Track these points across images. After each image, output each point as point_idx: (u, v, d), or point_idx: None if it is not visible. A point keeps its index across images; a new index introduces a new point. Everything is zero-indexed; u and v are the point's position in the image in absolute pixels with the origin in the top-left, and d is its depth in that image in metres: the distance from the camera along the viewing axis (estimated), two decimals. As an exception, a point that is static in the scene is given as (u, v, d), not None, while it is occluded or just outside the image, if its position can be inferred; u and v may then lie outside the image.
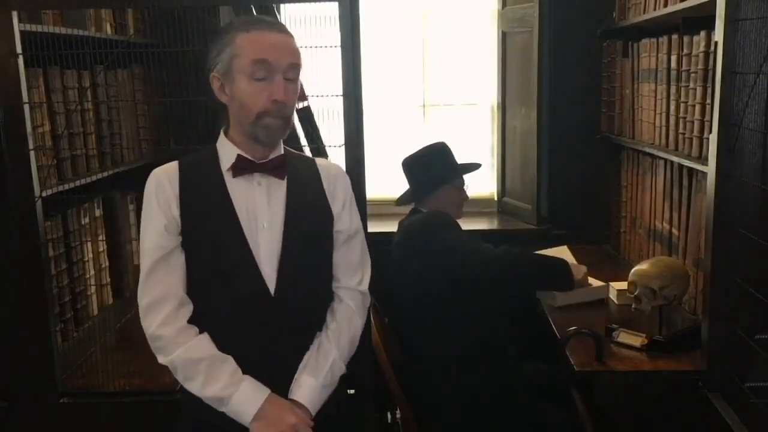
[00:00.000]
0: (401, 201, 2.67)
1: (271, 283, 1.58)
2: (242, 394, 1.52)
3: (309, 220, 1.64)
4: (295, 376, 1.61)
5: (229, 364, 1.55)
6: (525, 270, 2.32)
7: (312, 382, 1.60)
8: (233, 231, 1.57)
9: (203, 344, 1.55)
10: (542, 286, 2.50)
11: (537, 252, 2.57)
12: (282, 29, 1.56)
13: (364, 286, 1.75)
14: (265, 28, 1.53)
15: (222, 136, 1.64)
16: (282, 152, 1.65)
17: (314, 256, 1.66)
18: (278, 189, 1.62)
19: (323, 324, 1.68)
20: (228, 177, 1.59)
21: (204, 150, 1.66)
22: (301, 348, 1.64)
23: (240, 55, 1.52)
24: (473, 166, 2.61)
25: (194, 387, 1.54)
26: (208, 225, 1.57)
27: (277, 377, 1.59)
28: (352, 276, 1.72)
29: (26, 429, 2.17)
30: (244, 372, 1.56)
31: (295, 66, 1.56)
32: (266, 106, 1.53)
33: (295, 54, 1.56)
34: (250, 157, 1.59)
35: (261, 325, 1.58)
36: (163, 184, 1.58)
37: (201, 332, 1.58)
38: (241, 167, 1.59)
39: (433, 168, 2.52)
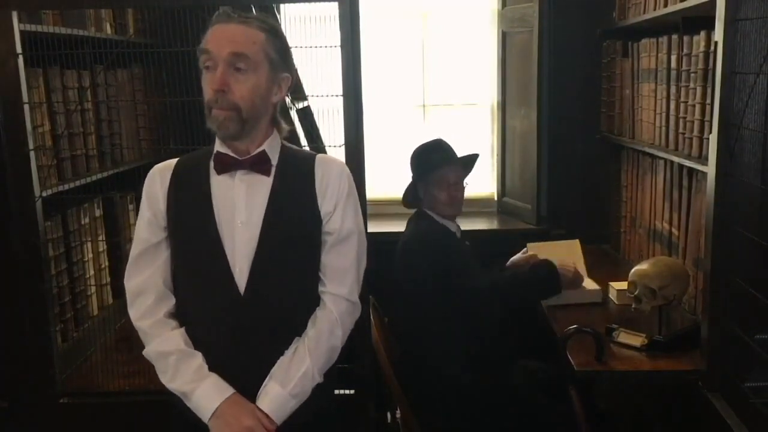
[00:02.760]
0: (406, 202, 2.64)
1: (242, 283, 1.55)
2: (203, 391, 1.52)
3: (291, 220, 1.58)
4: (264, 381, 1.56)
5: (196, 359, 1.55)
6: (515, 297, 2.39)
7: (279, 391, 1.54)
8: (208, 228, 1.56)
9: (175, 338, 1.57)
10: (533, 302, 2.58)
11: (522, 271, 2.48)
12: (245, 21, 1.52)
13: (354, 294, 1.64)
14: (226, 21, 1.52)
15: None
16: (264, 148, 1.59)
17: (293, 257, 1.59)
18: (261, 186, 1.58)
19: (303, 329, 1.61)
20: (213, 174, 1.59)
21: (205, 148, 1.67)
22: (273, 353, 1.58)
23: (199, 48, 1.54)
24: (444, 160, 2.47)
25: (164, 380, 1.58)
26: (188, 221, 1.59)
27: (245, 380, 1.56)
28: (340, 282, 1.62)
29: (26, 429, 2.17)
30: (215, 372, 1.55)
31: (241, 55, 1.49)
32: (209, 96, 1.51)
33: (240, 43, 1.49)
34: (231, 154, 1.58)
35: (230, 325, 1.56)
36: (154, 179, 1.63)
37: (180, 327, 1.61)
38: (222, 164, 1.58)
39: (413, 168, 2.55)
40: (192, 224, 1.59)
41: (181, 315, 1.63)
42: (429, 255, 2.35)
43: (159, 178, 1.62)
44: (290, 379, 1.55)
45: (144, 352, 1.62)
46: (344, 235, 1.62)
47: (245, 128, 1.54)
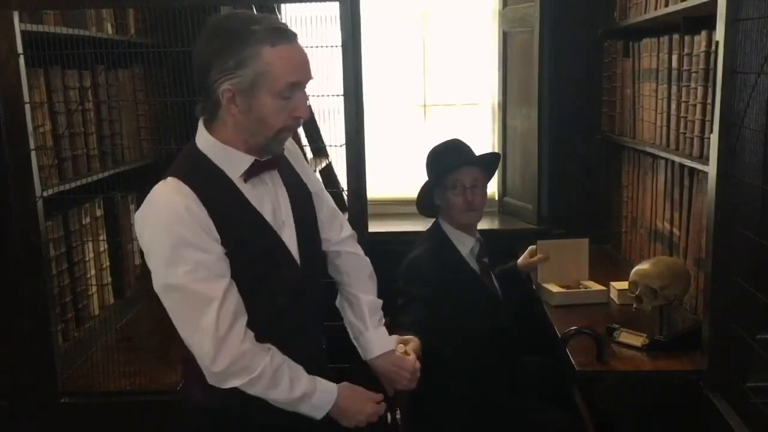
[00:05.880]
0: (422, 211, 2.52)
1: (300, 270, 1.61)
2: (322, 386, 1.57)
3: (305, 205, 1.67)
4: (356, 343, 1.76)
5: (299, 366, 1.57)
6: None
7: (369, 334, 1.73)
8: (270, 236, 1.55)
9: (274, 350, 1.54)
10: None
11: None
12: (296, 37, 1.50)
13: (347, 229, 1.79)
14: (289, 41, 1.46)
15: (214, 141, 1.51)
16: None
17: (318, 238, 1.71)
18: (279, 182, 1.61)
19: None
20: (239, 183, 1.53)
21: (192, 158, 1.54)
22: (322, 314, 1.74)
23: (270, 73, 1.43)
24: (460, 160, 2.33)
25: (280, 395, 1.51)
26: (247, 238, 1.52)
27: (317, 357, 1.68)
28: (335, 228, 1.76)
29: (26, 429, 2.17)
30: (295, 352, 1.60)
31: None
32: (288, 123, 1.49)
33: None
34: (259, 159, 1.56)
35: (300, 318, 1.61)
36: (193, 209, 1.44)
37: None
38: (253, 170, 1.54)
39: (428, 171, 2.42)
40: (253, 239, 1.53)
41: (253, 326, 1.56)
42: (422, 290, 2.25)
43: (195, 206, 1.44)
44: (365, 321, 1.73)
45: (253, 377, 1.47)
46: (319, 189, 1.74)
47: None
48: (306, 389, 1.54)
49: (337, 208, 1.80)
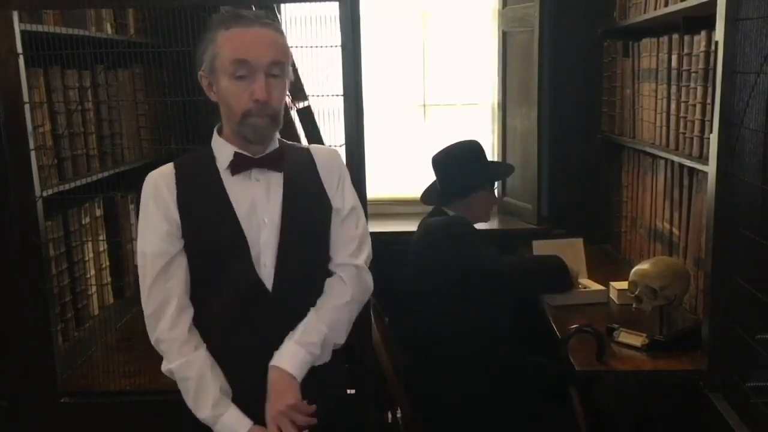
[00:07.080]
0: (427, 200, 2.59)
1: (268, 280, 1.56)
2: (227, 421, 1.52)
3: (307, 213, 1.62)
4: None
5: (212, 393, 1.52)
6: (525, 285, 2.39)
7: (286, 344, 1.56)
8: (232, 230, 1.55)
9: (198, 362, 1.54)
10: (539, 293, 2.59)
11: (536, 256, 2.59)
12: (265, 23, 1.52)
13: (360, 259, 1.66)
14: (245, 24, 1.49)
15: (216, 134, 1.61)
16: (277, 145, 1.62)
17: (313, 250, 1.64)
18: (276, 183, 1.60)
19: None
20: (226, 175, 1.57)
21: (199, 150, 1.64)
22: None
23: (220, 54, 1.49)
24: (508, 170, 2.68)
25: (186, 400, 1.56)
26: (208, 226, 1.55)
27: None
28: (344, 250, 1.66)
29: (26, 429, 2.17)
30: (243, 374, 1.55)
31: (279, 62, 1.51)
32: (249, 106, 1.50)
33: (277, 50, 1.51)
34: (247, 154, 1.58)
35: (260, 324, 1.56)
36: (160, 187, 1.56)
37: (202, 337, 1.57)
38: (240, 164, 1.56)
39: (469, 171, 2.45)
40: (214, 228, 1.55)
41: (203, 322, 1.58)
42: (460, 251, 2.30)
43: (164, 185, 1.56)
44: (296, 331, 1.57)
45: (167, 369, 1.55)
46: (347, 212, 1.67)
47: (275, 132, 1.59)
48: (206, 417, 1.53)
49: (364, 236, 1.69)
